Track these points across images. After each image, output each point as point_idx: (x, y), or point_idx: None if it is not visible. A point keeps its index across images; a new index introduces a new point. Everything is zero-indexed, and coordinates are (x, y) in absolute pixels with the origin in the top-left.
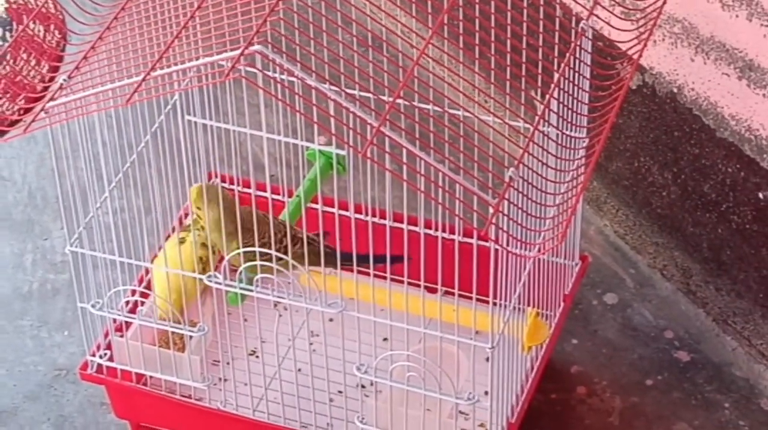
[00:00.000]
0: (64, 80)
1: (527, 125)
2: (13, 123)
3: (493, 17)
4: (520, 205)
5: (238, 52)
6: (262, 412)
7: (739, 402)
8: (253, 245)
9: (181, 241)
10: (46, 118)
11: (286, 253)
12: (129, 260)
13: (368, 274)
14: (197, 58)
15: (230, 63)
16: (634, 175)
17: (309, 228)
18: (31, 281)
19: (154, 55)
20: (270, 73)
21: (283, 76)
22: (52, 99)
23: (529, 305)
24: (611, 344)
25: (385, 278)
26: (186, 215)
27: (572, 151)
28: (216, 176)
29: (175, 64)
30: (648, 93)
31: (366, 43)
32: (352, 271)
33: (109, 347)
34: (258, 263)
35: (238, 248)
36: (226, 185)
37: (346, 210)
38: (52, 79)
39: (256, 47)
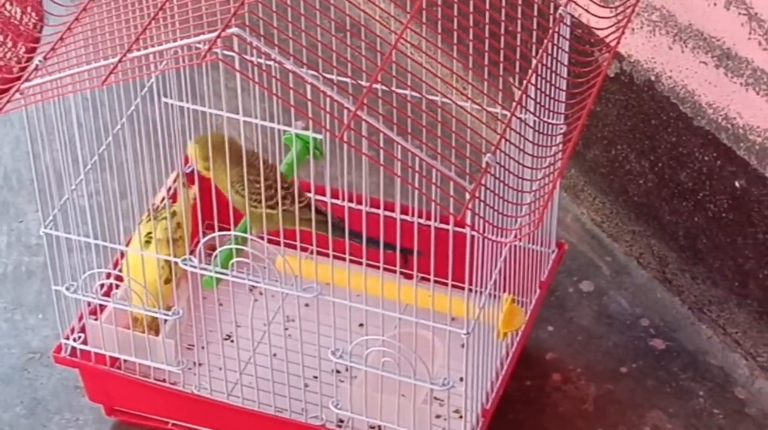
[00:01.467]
0: (40, 61)
1: (505, 111)
2: None
3: (471, 2)
4: (496, 192)
5: (215, 34)
6: (236, 396)
7: (714, 390)
8: (254, 183)
9: (147, 240)
10: (21, 98)
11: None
12: (104, 243)
13: (344, 259)
14: (174, 41)
15: (207, 45)
16: (611, 163)
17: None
18: (6, 264)
19: (131, 37)
20: (247, 57)
21: (261, 60)
22: (27, 80)
23: (504, 291)
24: (586, 331)
25: (360, 263)
26: (162, 198)
27: (550, 137)
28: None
29: (152, 46)
30: (626, 81)
31: (344, 28)
32: (328, 255)
33: (83, 330)
34: (233, 247)
35: (236, 188)
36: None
37: (323, 195)
38: (29, 61)
39: (233, 30)
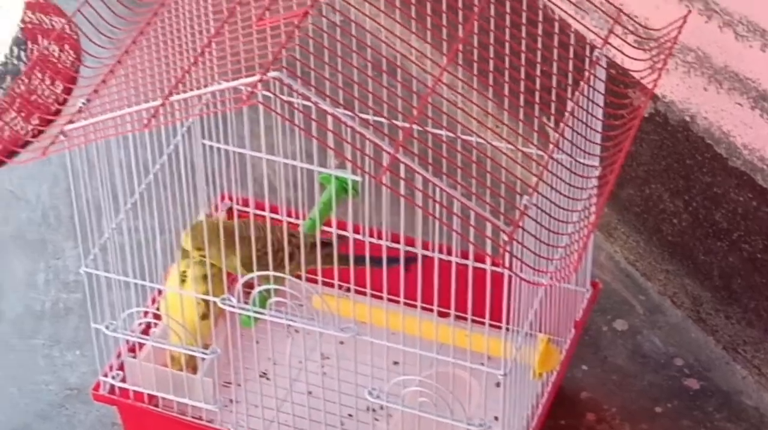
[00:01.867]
0: (83, 103)
1: (540, 152)
2: (26, 144)
3: (507, 44)
4: (533, 233)
5: (256, 78)
6: None
7: None
8: (251, 256)
9: (182, 279)
10: (64, 141)
11: (292, 261)
12: (143, 282)
13: (381, 297)
14: (214, 83)
15: (248, 89)
16: (645, 202)
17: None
18: (44, 300)
19: (172, 80)
20: (285, 98)
21: (299, 101)
22: (70, 122)
23: (540, 331)
24: (621, 370)
25: (398, 302)
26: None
27: (585, 179)
28: (230, 199)
29: (193, 89)
30: (660, 121)
31: (380, 68)
32: (365, 294)
33: (121, 367)
34: (272, 287)
35: (237, 263)
36: (239, 207)
37: (359, 233)
38: (65, 100)
39: (274, 73)
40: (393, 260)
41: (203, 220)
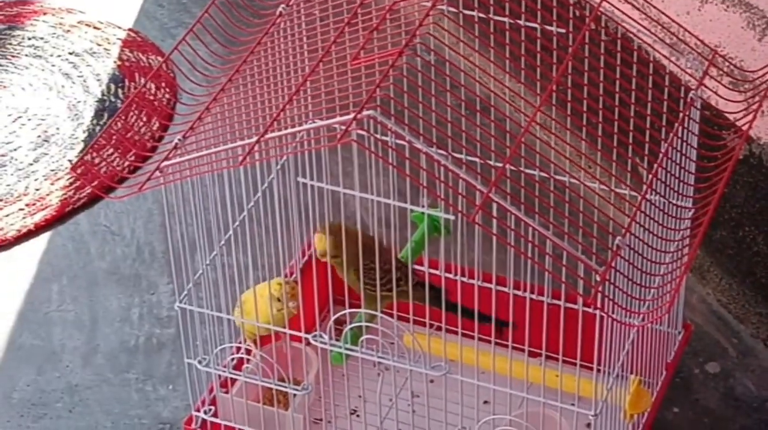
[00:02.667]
0: (179, 140)
1: (632, 193)
2: (122, 180)
3: (601, 85)
4: (625, 274)
5: (351, 116)
6: None
7: None
8: (373, 269)
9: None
10: (160, 176)
11: (399, 285)
12: (235, 317)
13: (472, 337)
14: (308, 121)
15: (343, 127)
16: (738, 245)
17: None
18: (138, 335)
19: (267, 118)
20: (380, 136)
21: (392, 140)
22: (166, 158)
23: (632, 372)
24: (713, 413)
25: (488, 341)
26: (291, 273)
27: (678, 220)
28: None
29: (287, 127)
30: (755, 163)
31: (474, 108)
32: (456, 333)
33: (213, 402)
34: (364, 324)
35: (356, 274)
36: None
37: (451, 273)
38: (161, 137)
39: (369, 112)
40: (485, 318)
41: (341, 223)
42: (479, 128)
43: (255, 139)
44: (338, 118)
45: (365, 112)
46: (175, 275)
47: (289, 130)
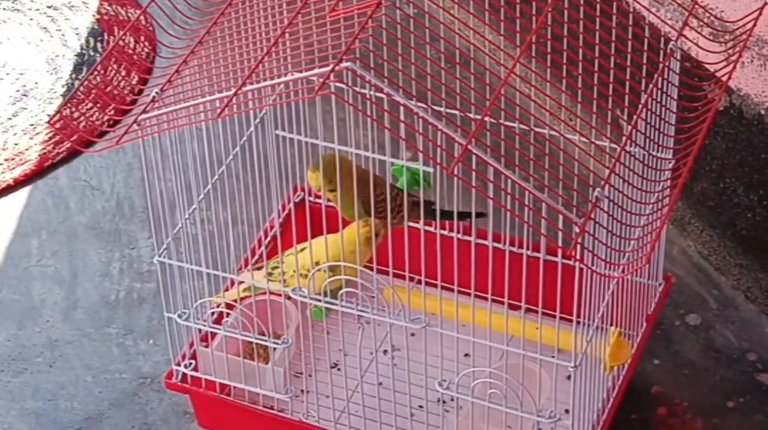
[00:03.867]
0: (157, 93)
1: (613, 145)
2: (102, 134)
3: (580, 36)
4: (605, 225)
5: (328, 68)
6: (343, 425)
7: None
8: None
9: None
10: (138, 130)
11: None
12: (215, 272)
13: (452, 289)
14: (287, 74)
15: (320, 79)
16: (719, 196)
17: (395, 243)
18: (118, 290)
19: (245, 71)
20: (358, 89)
21: (371, 92)
22: (144, 111)
23: (611, 324)
24: (693, 365)
25: (468, 294)
26: (271, 227)
27: (658, 172)
28: (302, 190)
29: (265, 80)
30: (735, 114)
31: (453, 60)
32: (436, 286)
33: (194, 356)
34: (343, 277)
35: (353, 203)
36: (312, 199)
37: (431, 226)
38: (141, 91)
39: (347, 64)
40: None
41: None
42: (459, 81)
43: (233, 91)
44: (316, 71)
45: (343, 64)
46: (154, 230)
47: (267, 83)
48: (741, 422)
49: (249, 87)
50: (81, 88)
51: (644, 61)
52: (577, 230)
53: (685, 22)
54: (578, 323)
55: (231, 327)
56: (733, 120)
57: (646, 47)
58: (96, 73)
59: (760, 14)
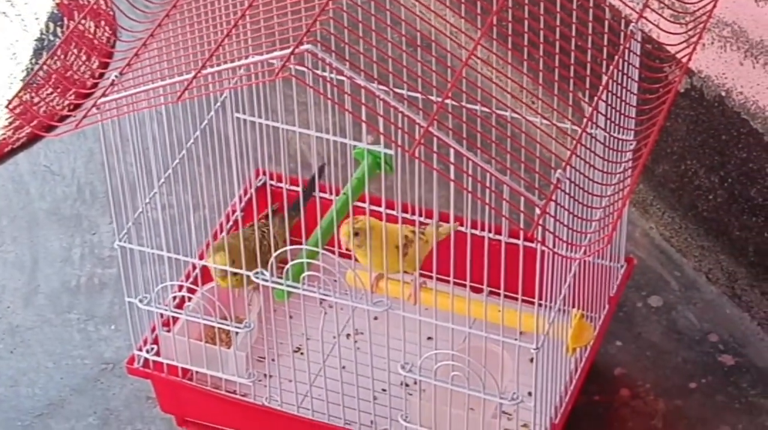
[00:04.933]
0: (116, 76)
1: (574, 127)
2: (62, 118)
3: (541, 19)
4: (566, 207)
5: (288, 51)
6: (306, 409)
7: None
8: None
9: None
10: (97, 113)
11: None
12: (177, 256)
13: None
14: (247, 57)
15: (281, 62)
16: (680, 178)
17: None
18: (79, 275)
19: (205, 53)
20: (319, 72)
21: (332, 75)
22: (103, 95)
23: (574, 306)
24: (655, 346)
25: (431, 277)
26: (233, 211)
27: (619, 153)
28: (264, 174)
29: (226, 62)
30: (696, 96)
31: (415, 43)
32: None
33: (155, 341)
34: (305, 260)
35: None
36: (273, 183)
37: (393, 209)
38: (101, 75)
39: (307, 46)
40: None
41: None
42: (420, 64)
43: (193, 74)
44: (276, 53)
45: (303, 47)
46: (115, 215)
47: (228, 65)
48: (703, 403)
49: (209, 70)
50: (40, 73)
51: (605, 43)
52: (538, 212)
53: (646, 3)
54: (540, 305)
55: (193, 312)
56: (694, 102)
57: (606, 29)
58: (56, 57)
59: None
